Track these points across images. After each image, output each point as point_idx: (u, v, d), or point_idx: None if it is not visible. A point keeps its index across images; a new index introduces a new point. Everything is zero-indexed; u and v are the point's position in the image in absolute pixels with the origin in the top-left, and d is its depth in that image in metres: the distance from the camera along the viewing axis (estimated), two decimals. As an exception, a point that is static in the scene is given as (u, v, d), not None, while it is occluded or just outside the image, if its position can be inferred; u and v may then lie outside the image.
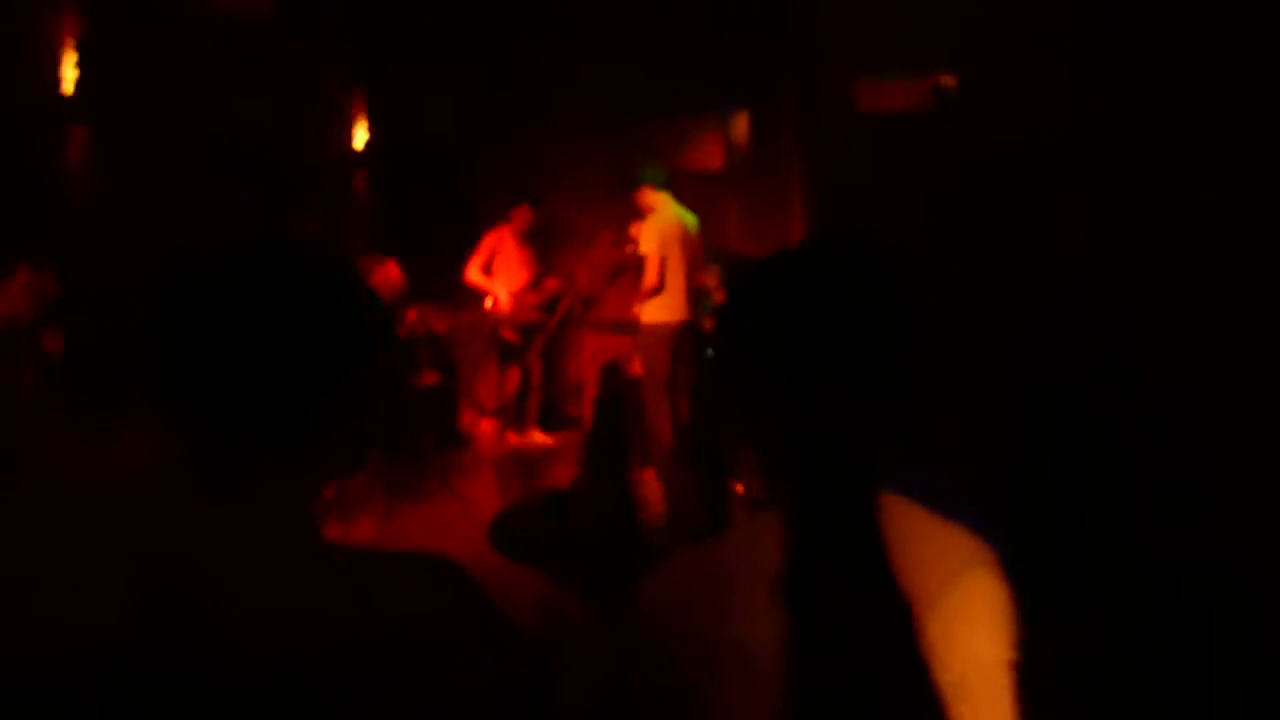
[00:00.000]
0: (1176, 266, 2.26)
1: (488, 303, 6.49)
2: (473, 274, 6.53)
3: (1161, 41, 2.36)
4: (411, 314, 6.27)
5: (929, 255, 2.66)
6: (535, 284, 6.74)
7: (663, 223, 5.36)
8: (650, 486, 5.20)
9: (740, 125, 7.11)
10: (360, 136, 6.87)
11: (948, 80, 2.75)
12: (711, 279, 6.28)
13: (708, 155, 7.23)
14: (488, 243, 6.61)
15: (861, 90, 2.87)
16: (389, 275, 5.75)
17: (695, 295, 5.45)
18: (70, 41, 4.59)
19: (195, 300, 0.95)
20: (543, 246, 7.14)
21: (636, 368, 5.71)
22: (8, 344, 3.73)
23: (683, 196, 5.70)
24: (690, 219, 5.53)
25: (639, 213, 5.46)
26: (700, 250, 5.55)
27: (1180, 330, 2.20)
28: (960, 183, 2.68)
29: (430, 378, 6.18)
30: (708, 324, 6.13)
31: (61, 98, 4.53)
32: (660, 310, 5.28)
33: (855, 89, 2.85)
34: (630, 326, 5.60)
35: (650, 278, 5.30)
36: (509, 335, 6.54)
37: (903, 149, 2.80)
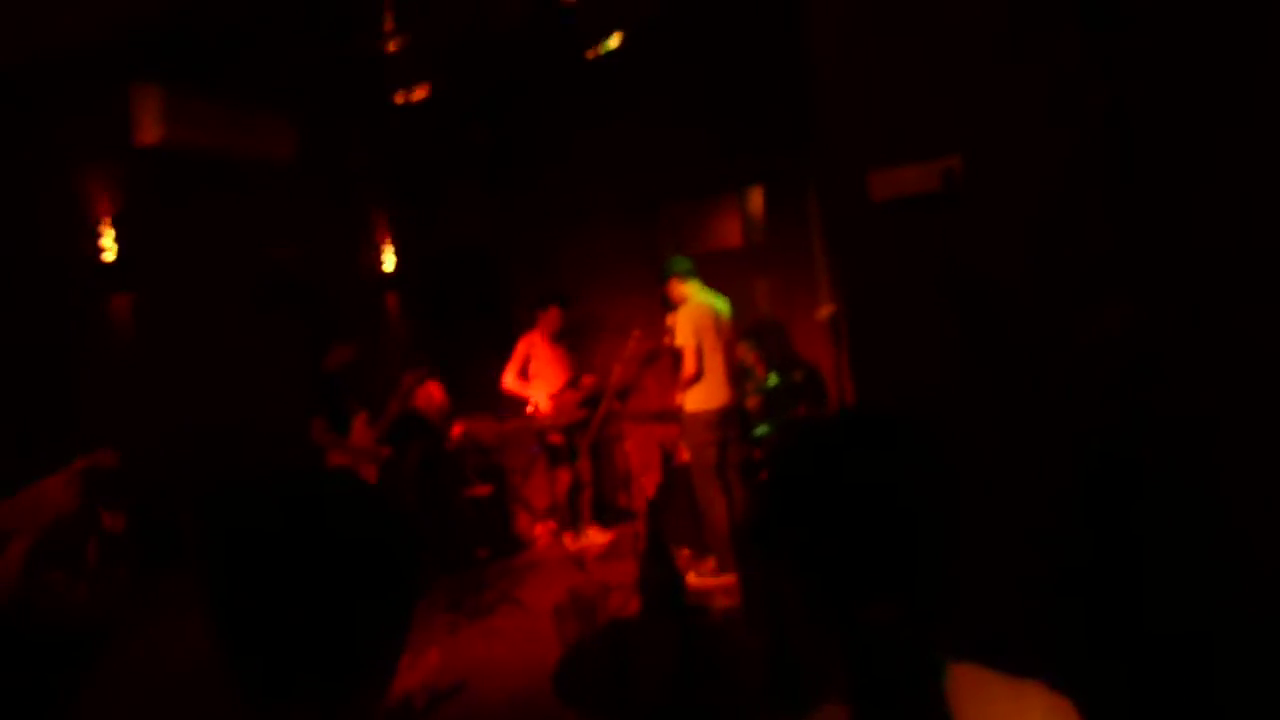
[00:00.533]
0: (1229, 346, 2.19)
1: (529, 408, 6.54)
2: (509, 381, 6.55)
3: (1178, 111, 2.35)
4: (457, 429, 6.42)
5: (955, 339, 2.69)
6: (573, 383, 6.80)
7: (695, 311, 5.33)
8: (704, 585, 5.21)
9: (756, 201, 7.18)
10: (389, 258, 7.04)
11: (955, 163, 2.71)
12: (749, 354, 6.36)
13: (728, 234, 7.30)
14: (520, 348, 6.62)
15: (875, 179, 2.84)
16: (431, 395, 5.87)
17: (736, 374, 5.49)
18: (108, 210, 4.76)
19: (241, 544, 0.99)
20: (576, 344, 7.21)
21: (684, 455, 5.76)
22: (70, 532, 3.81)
23: (709, 276, 5.80)
24: (722, 304, 5.57)
25: (669, 300, 5.55)
26: (733, 331, 5.61)
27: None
28: (978, 262, 2.69)
29: (482, 489, 6.32)
30: (751, 403, 6.13)
31: (103, 266, 4.70)
32: (702, 397, 5.27)
33: (869, 179, 2.83)
34: (672, 415, 5.64)
35: (689, 367, 5.33)
36: (554, 438, 6.59)
37: (919, 231, 2.78)
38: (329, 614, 0.98)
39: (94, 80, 4.70)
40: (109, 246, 4.71)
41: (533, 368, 6.60)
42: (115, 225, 4.72)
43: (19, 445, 4.21)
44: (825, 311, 6.28)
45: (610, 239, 7.32)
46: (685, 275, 5.49)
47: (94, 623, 3.00)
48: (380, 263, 7.06)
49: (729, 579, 5.05)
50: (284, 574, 0.98)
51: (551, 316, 6.55)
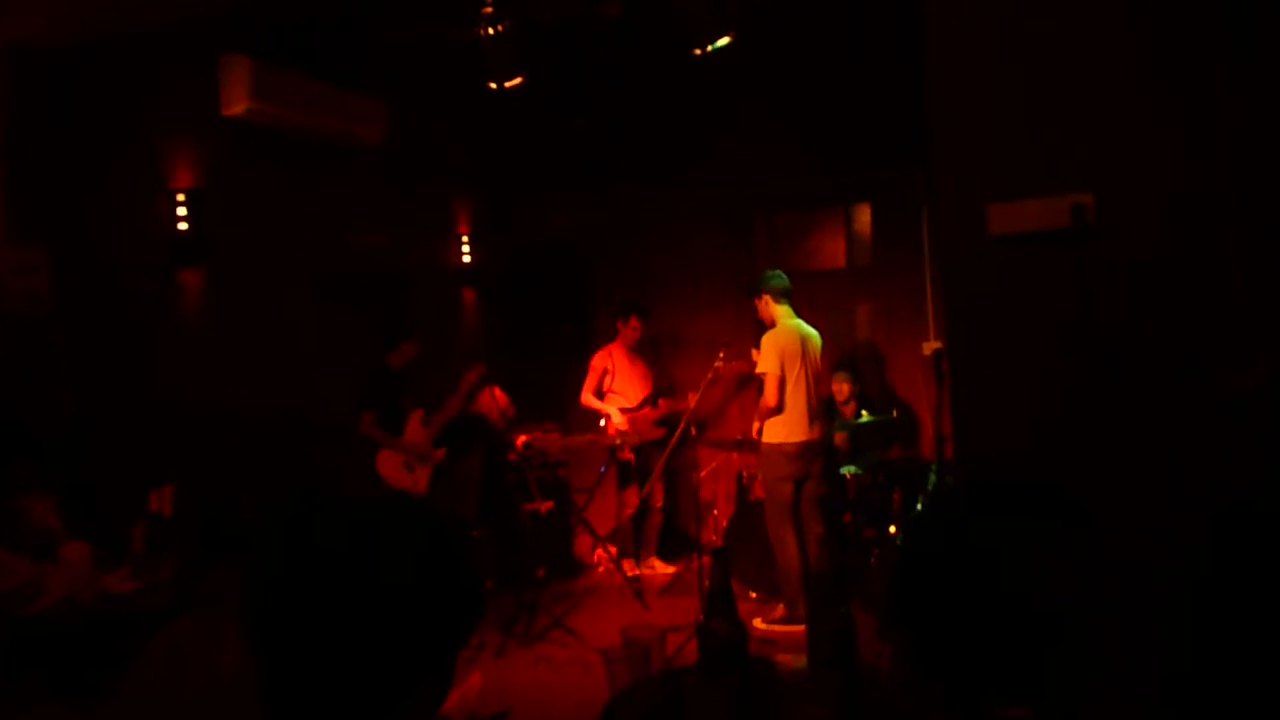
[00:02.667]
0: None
1: (602, 423, 6.60)
2: (586, 398, 6.64)
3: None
4: (522, 439, 6.43)
5: (1075, 388, 2.63)
6: (651, 400, 6.80)
7: (782, 337, 5.31)
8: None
9: (863, 218, 7.10)
10: (469, 251, 7.14)
11: (1086, 199, 2.67)
12: (843, 386, 6.30)
13: (830, 253, 7.23)
14: (598, 362, 6.69)
15: (995, 213, 2.80)
16: (495, 399, 5.92)
17: (823, 408, 5.47)
18: (188, 182, 4.86)
19: (296, 564, 1.01)
20: (656, 358, 7.23)
21: (759, 490, 5.73)
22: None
23: (807, 298, 5.79)
24: (813, 336, 5.51)
25: (760, 320, 5.54)
26: (822, 365, 5.56)
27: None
28: (1107, 306, 2.62)
29: (544, 505, 6.28)
30: (839, 439, 6.08)
31: (178, 238, 4.80)
32: (782, 430, 5.24)
33: (989, 211, 2.80)
34: (753, 445, 5.58)
35: (769, 397, 5.30)
36: (626, 455, 6.61)
37: (1041, 269, 2.75)
38: (377, 646, 0.99)
39: (183, 52, 4.82)
40: (184, 219, 4.80)
41: (609, 382, 6.65)
42: (192, 198, 4.82)
43: (95, 418, 4.33)
44: (930, 347, 6.25)
45: (702, 248, 7.33)
46: (778, 296, 5.45)
47: (137, 612, 3.07)
48: (459, 255, 7.14)
49: (798, 629, 4.98)
50: (336, 601, 0.99)
51: (632, 327, 6.59)
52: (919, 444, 6.48)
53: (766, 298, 5.38)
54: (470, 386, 5.63)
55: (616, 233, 7.54)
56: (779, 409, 5.22)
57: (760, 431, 5.34)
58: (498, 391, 5.91)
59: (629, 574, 6.27)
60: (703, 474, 6.43)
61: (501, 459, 6.36)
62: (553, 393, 7.16)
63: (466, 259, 7.16)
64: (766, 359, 5.24)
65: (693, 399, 5.75)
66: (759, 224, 7.32)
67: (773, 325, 5.37)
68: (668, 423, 6.50)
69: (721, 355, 5.64)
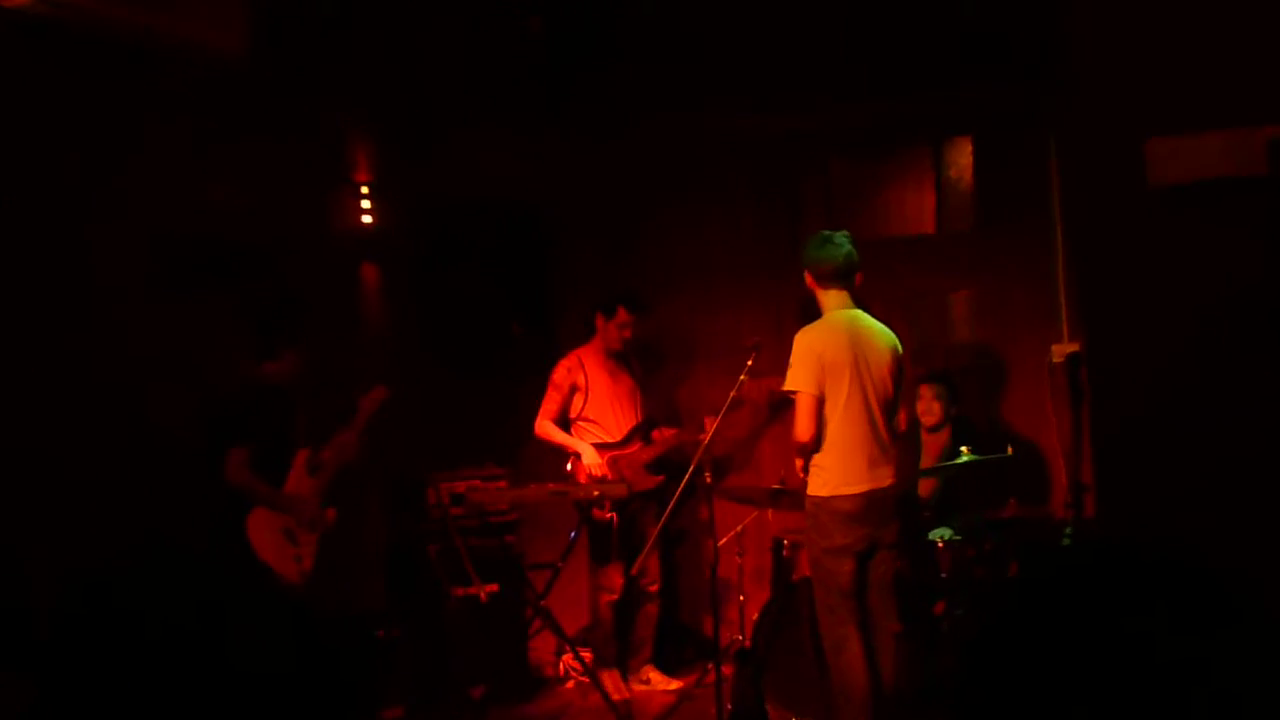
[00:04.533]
0: None
1: (569, 466, 6.68)
2: (545, 426, 6.74)
3: None
4: (447, 488, 6.46)
5: None
6: (642, 431, 6.83)
7: (822, 338, 5.31)
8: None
9: (961, 161, 7.18)
10: (370, 209, 7.24)
11: None
12: (929, 411, 6.41)
13: (911, 214, 7.30)
14: (563, 376, 6.78)
15: (1156, 151, 2.89)
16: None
17: (900, 445, 5.53)
18: None
19: (102, 677, 1.08)
20: (653, 372, 7.29)
21: (806, 566, 5.78)
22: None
23: (874, 282, 5.74)
24: (879, 335, 5.45)
25: (805, 311, 5.64)
26: (899, 373, 5.48)
27: None
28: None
29: (483, 589, 6.21)
30: (926, 488, 6.22)
31: None
32: (832, 477, 5.26)
33: (1147, 149, 2.90)
34: (793, 497, 5.70)
35: (799, 428, 5.27)
36: (604, 515, 6.60)
37: (1224, 233, 2.88)
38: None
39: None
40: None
41: (581, 405, 6.78)
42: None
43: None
44: (1062, 351, 6.40)
45: (723, 208, 7.42)
46: (827, 276, 5.43)
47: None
48: (356, 215, 7.20)
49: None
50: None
51: (619, 324, 6.71)
52: (1046, 496, 6.57)
53: (808, 276, 5.47)
54: (370, 416, 5.74)
55: (594, 186, 7.66)
56: (815, 444, 5.24)
57: (806, 477, 5.38)
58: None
59: (612, 693, 6.28)
60: (721, 541, 6.34)
61: (419, 521, 6.51)
62: (497, 422, 7.27)
63: (367, 220, 7.23)
64: (796, 370, 5.26)
65: (707, 428, 5.81)
66: (807, 170, 7.45)
67: (819, 320, 5.47)
68: (668, 466, 6.62)
69: (750, 365, 5.65)
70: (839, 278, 5.39)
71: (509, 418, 7.22)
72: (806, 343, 5.29)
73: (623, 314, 6.74)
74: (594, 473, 6.64)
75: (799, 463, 5.42)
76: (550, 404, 6.78)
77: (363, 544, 6.49)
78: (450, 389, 7.04)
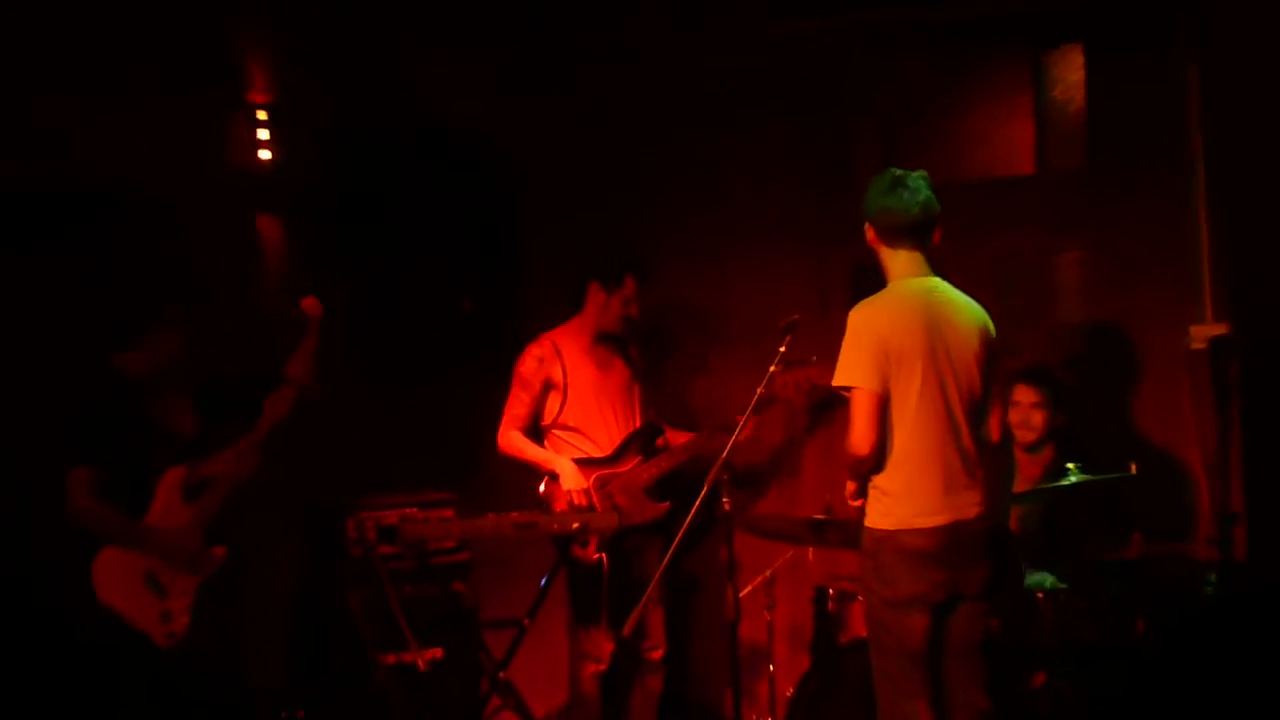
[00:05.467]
0: None
1: (543, 488, 6.56)
2: (510, 437, 6.71)
3: None
4: (375, 518, 6.42)
5: None
6: (641, 444, 6.76)
7: (887, 316, 5.20)
8: None
9: (1070, 78, 7.06)
10: (267, 142, 7.24)
11: None
12: (1028, 417, 6.36)
13: (1001, 149, 7.21)
14: (533, 368, 6.75)
15: None
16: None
17: (990, 461, 5.35)
18: None
19: None
20: (653, 363, 7.30)
21: (861, 624, 5.81)
22: None
23: (955, 238, 5.59)
24: (963, 310, 5.33)
25: (860, 281, 5.66)
26: (991, 364, 5.35)
27: None
28: None
29: (423, 654, 6.15)
30: (1020, 519, 6.27)
31: None
32: (897, 505, 5.11)
33: None
34: (843, 530, 5.79)
35: (856, 437, 5.12)
36: (588, 556, 6.44)
37: None
38: None
39: None
40: None
41: (558, 406, 6.75)
42: None
43: None
44: (1203, 335, 6.36)
45: (751, 150, 7.38)
46: (893, 231, 5.29)
47: None
48: (250, 149, 7.21)
49: None
50: None
51: (622, 299, 6.71)
52: (1183, 529, 6.55)
53: (870, 230, 5.34)
54: (275, 421, 5.76)
55: (579, 116, 7.61)
56: (875, 460, 5.10)
57: (860, 502, 5.28)
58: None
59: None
60: (745, 591, 6.40)
61: (339, 563, 6.46)
62: (443, 430, 7.26)
63: (265, 156, 7.23)
64: (851, 359, 5.13)
65: (726, 437, 5.68)
66: (862, 93, 7.42)
67: (884, 290, 5.35)
68: (675, 489, 6.56)
69: (783, 352, 5.57)
70: (912, 233, 5.27)
71: (459, 424, 7.22)
72: (866, 322, 5.18)
73: (631, 284, 6.68)
74: (575, 499, 6.50)
75: (852, 486, 5.31)
76: (517, 406, 6.72)
77: (261, 594, 6.43)
78: (381, 385, 7.00)
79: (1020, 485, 6.43)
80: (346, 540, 6.39)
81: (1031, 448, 6.37)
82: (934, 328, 5.16)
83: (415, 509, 6.60)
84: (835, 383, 5.17)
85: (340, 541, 6.41)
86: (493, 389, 6.81)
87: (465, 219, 7.63)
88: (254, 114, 7.22)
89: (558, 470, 6.54)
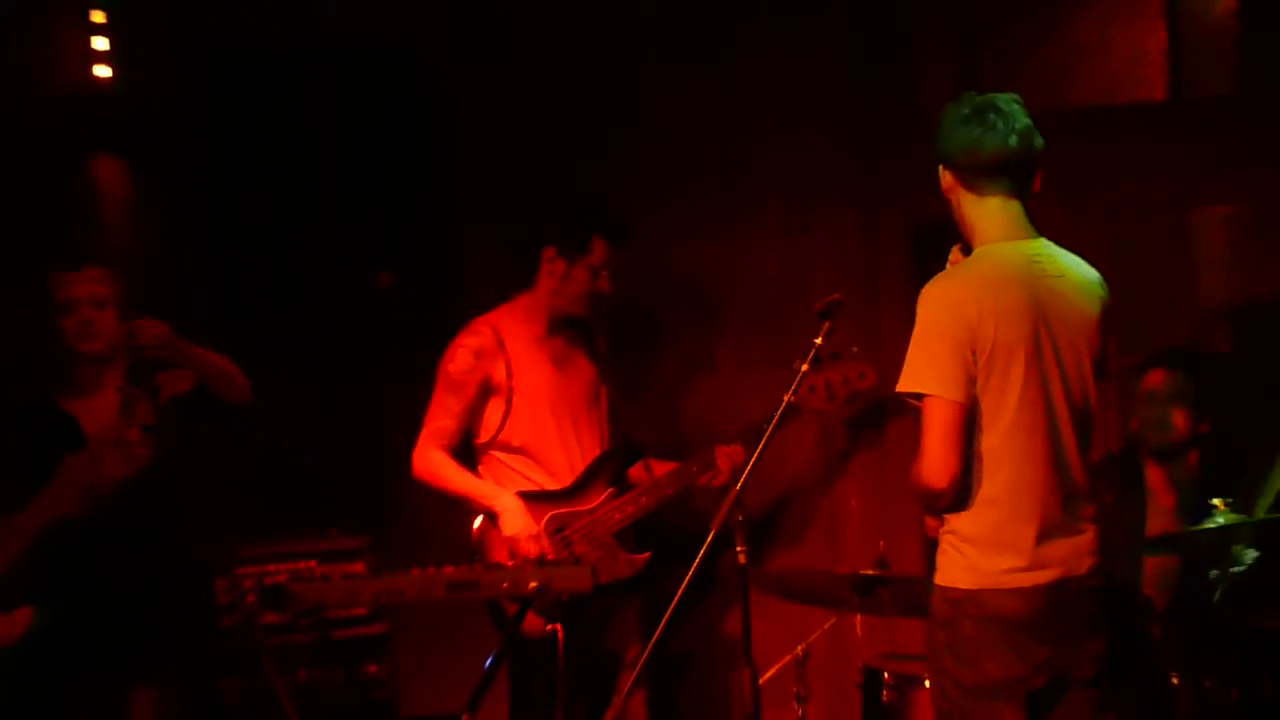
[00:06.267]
0: None
1: (477, 524, 6.30)
2: (430, 459, 6.39)
3: None
4: (256, 574, 6.36)
5: None
6: (613, 471, 6.53)
7: (981, 293, 4.84)
8: None
9: None
10: (107, 52, 7.06)
11: None
12: (1164, 417, 6.18)
13: (1120, 68, 7.01)
14: (466, 359, 6.45)
15: None
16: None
17: (1104, 485, 5.39)
18: None
19: None
20: (633, 359, 7.19)
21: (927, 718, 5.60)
22: None
23: (1060, 187, 5.42)
24: (1081, 281, 5.03)
25: (925, 245, 5.88)
26: (1106, 359, 5.06)
27: None
28: None
29: None
30: (1155, 574, 6.10)
31: None
32: (987, 556, 4.77)
33: None
34: (904, 594, 5.81)
35: (931, 461, 4.78)
36: (540, 628, 5.86)
37: None
38: None
39: None
40: None
41: (498, 417, 6.45)
42: None
43: None
44: None
45: (771, 65, 7.17)
46: (974, 173, 4.93)
47: None
48: (83, 63, 7.01)
49: None
50: None
51: (589, 269, 6.39)
52: None
53: (947, 174, 4.96)
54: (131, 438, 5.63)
55: (529, 19, 7.44)
56: (957, 493, 4.74)
57: (933, 546, 5.05)
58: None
59: None
60: (766, 676, 6.09)
61: (208, 635, 6.28)
62: (350, 455, 7.09)
63: (102, 74, 7.03)
64: (922, 356, 4.78)
65: (734, 462, 5.87)
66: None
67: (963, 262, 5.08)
68: (661, 533, 6.37)
69: (818, 345, 5.16)
70: (1008, 175, 4.90)
71: (374, 444, 7.03)
72: (945, 303, 4.83)
73: (601, 250, 6.36)
74: (523, 547, 6.14)
75: (931, 523, 5.14)
76: (442, 417, 6.36)
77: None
78: (265, 390, 6.32)
79: (1156, 521, 6.21)
80: (216, 607, 6.28)
81: (1166, 453, 6.14)
82: (1039, 310, 4.80)
83: (313, 562, 6.48)
84: (902, 388, 4.79)
85: (211, 607, 6.29)
86: (421, 395, 6.52)
87: (382, 164, 7.38)
88: (89, 21, 7.00)
89: (496, 508, 6.21)
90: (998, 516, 4.74)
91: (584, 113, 7.38)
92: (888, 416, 6.26)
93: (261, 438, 6.66)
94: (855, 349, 6.05)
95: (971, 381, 4.70)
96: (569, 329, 6.52)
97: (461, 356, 6.38)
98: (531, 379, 6.39)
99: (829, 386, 6.17)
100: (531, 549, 6.12)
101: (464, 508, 6.36)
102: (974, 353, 4.70)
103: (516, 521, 6.16)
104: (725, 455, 6.23)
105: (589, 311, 6.47)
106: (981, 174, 4.84)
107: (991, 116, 4.84)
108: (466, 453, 6.46)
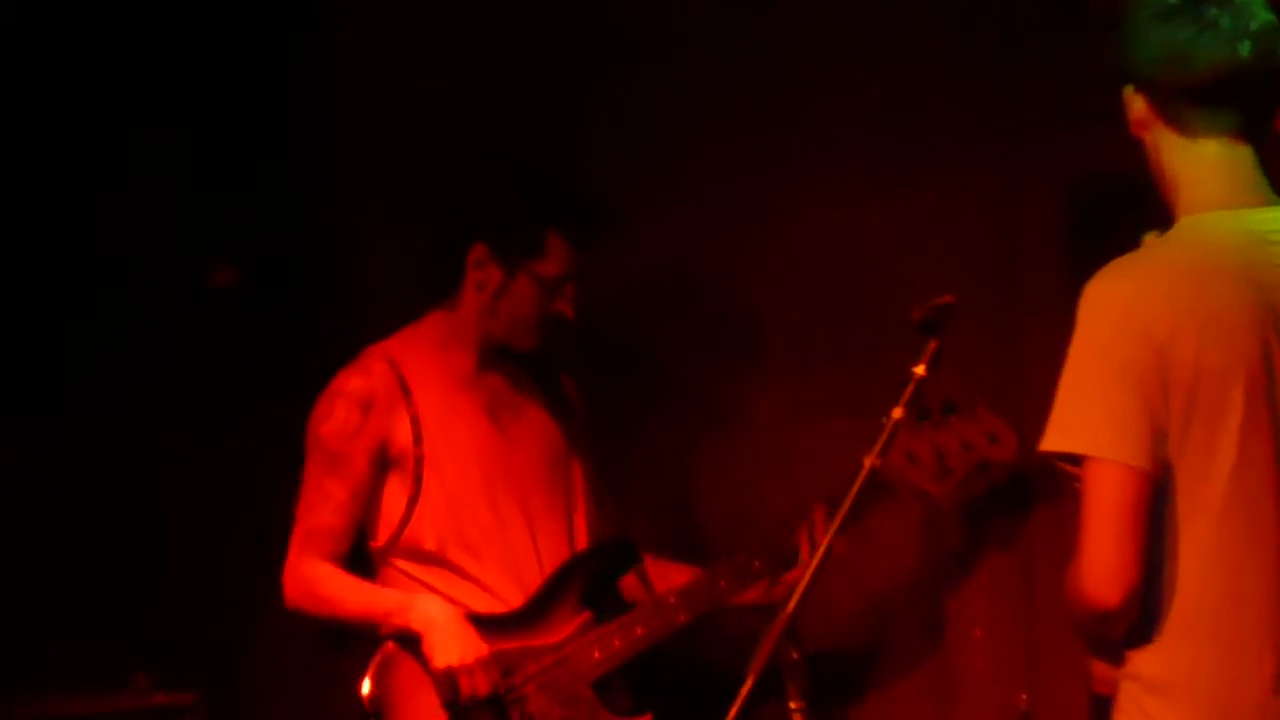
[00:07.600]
0: None
1: (366, 688, 5.90)
2: (305, 572, 6.08)
3: None
4: None
5: None
6: (591, 587, 6.27)
7: (1173, 297, 4.33)
8: None
9: None
10: None
11: None
12: None
13: None
14: (346, 413, 6.09)
15: None
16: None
17: None
18: None
19: None
20: (617, 402, 7.04)
21: None
22: None
23: None
24: None
25: (1091, 216, 5.96)
26: None
27: None
28: None
29: None
30: None
31: None
32: (1182, 714, 4.28)
33: None
34: None
35: (1098, 563, 4.32)
36: None
37: None
38: None
39: None
40: None
41: (410, 497, 6.09)
42: None
43: None
44: None
45: None
46: (1203, 93, 4.43)
47: None
48: None
49: None
50: None
51: (536, 281, 6.11)
52: None
53: (1138, 101, 4.44)
54: None
55: None
56: (1139, 615, 4.28)
57: (1105, 703, 4.64)
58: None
59: None
60: None
61: None
62: (173, 560, 6.90)
63: None
64: (1080, 396, 4.28)
65: (788, 562, 5.83)
66: None
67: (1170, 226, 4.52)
68: (678, 683, 6.27)
69: (919, 377, 4.51)
70: (1231, 104, 4.43)
71: (197, 542, 6.88)
72: (1116, 305, 4.31)
73: (560, 251, 6.08)
74: (470, 682, 5.80)
75: (1100, 668, 4.92)
76: (319, 509, 5.96)
77: None
78: (36, 460, 6.61)
79: None
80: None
81: None
82: (1271, 318, 4.25)
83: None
84: (1049, 446, 4.14)
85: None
86: (284, 468, 6.12)
87: (224, 106, 7.16)
88: None
89: (415, 625, 5.78)
90: (1207, 653, 4.17)
91: (539, 29, 7.09)
92: (1034, 499, 5.86)
93: (23, 535, 6.50)
94: (979, 399, 5.75)
95: (1161, 436, 4.10)
96: (513, 364, 6.19)
97: (341, 410, 6.00)
98: (452, 443, 6.06)
99: (940, 455, 5.84)
100: (482, 682, 5.73)
101: (355, 647, 5.99)
102: (1165, 390, 4.13)
103: (452, 644, 5.77)
104: (770, 558, 5.86)
105: (538, 343, 6.09)
106: (1194, 100, 4.31)
107: (1212, 10, 4.28)
108: (359, 559, 6.07)
